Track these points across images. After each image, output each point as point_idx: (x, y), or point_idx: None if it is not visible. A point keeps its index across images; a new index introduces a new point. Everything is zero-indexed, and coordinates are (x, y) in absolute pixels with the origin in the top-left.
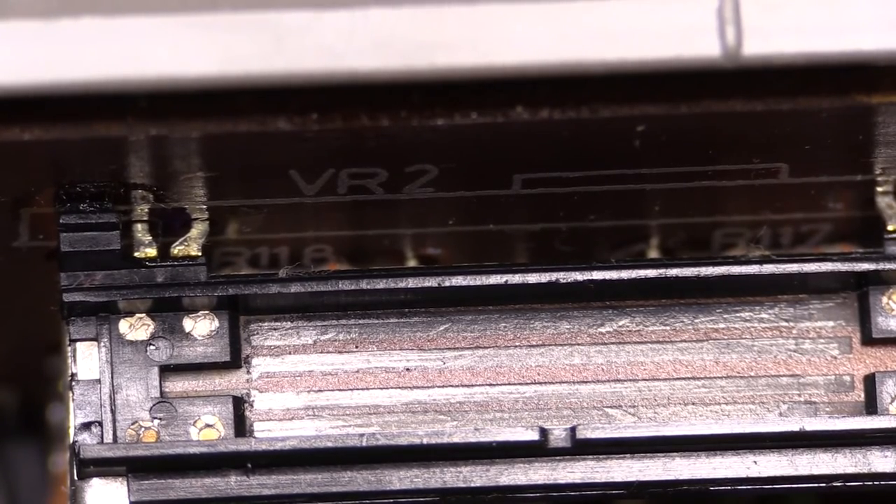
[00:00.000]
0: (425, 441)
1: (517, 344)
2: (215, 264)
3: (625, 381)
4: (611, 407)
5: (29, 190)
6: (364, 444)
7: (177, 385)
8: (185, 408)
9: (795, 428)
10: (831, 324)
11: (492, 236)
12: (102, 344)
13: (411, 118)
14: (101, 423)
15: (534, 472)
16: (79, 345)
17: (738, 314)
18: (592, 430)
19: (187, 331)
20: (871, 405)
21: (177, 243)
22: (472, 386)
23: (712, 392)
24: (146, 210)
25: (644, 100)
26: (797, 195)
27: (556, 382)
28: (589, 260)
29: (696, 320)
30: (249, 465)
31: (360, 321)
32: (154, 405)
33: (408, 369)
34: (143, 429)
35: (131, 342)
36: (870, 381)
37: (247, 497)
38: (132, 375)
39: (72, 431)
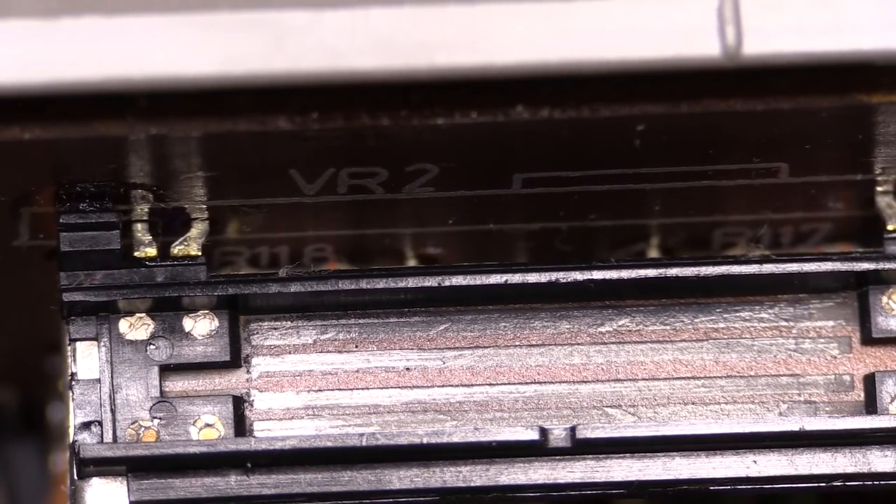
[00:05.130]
0: (425, 441)
1: (517, 343)
2: (215, 264)
3: (625, 380)
4: (611, 406)
5: (29, 189)
6: (364, 443)
7: (177, 384)
8: (184, 407)
9: (795, 427)
10: (831, 323)
11: (492, 236)
12: (102, 343)
13: (411, 117)
14: (100, 423)
15: (534, 471)
16: (79, 344)
17: (737, 314)
18: (592, 430)
19: (187, 330)
20: (870, 405)
21: (177, 243)
22: (472, 385)
23: (712, 392)
24: (146, 209)
25: (644, 99)
26: (797, 195)
27: (556, 382)
28: (589, 259)
29: (696, 320)
30: (249, 465)
31: (360, 321)
32: (154, 405)
33: (408, 369)
34: (142, 428)
35: (131, 342)
36: (869, 381)
37: (246, 496)
38: (132, 375)
39: (72, 431)
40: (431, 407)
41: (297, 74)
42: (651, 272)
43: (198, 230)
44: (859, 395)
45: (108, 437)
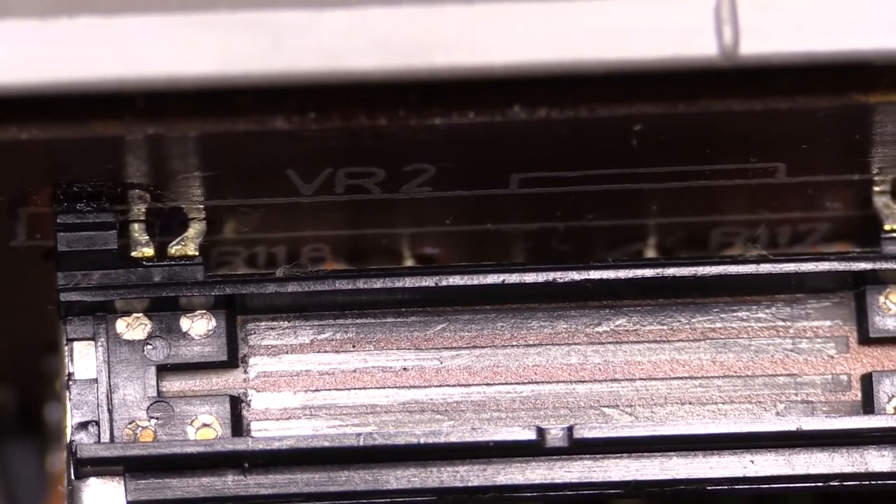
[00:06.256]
0: (422, 441)
1: (514, 343)
2: (212, 264)
3: (622, 380)
4: (608, 406)
5: (26, 189)
6: (361, 443)
7: (174, 384)
8: (182, 407)
9: (792, 427)
10: (828, 323)
11: (489, 236)
12: (99, 343)
13: (409, 117)
14: (98, 423)
15: (531, 471)
16: (76, 344)
17: (735, 314)
18: (589, 430)
19: (184, 330)
20: (868, 404)
21: (174, 243)
22: (469, 385)
23: (709, 391)
24: (143, 210)
25: (641, 99)
26: (795, 194)
27: (553, 382)
28: (586, 259)
29: (694, 320)
30: (246, 465)
31: (358, 321)
32: (151, 405)
33: (405, 369)
34: (140, 428)
35: (128, 342)
36: (867, 381)
37: (244, 496)
38: (129, 375)
39: (69, 431)
40: (428, 407)
41: (295, 74)
42: (648, 272)
43: (195, 230)
44: (856, 394)
45: (106, 436)
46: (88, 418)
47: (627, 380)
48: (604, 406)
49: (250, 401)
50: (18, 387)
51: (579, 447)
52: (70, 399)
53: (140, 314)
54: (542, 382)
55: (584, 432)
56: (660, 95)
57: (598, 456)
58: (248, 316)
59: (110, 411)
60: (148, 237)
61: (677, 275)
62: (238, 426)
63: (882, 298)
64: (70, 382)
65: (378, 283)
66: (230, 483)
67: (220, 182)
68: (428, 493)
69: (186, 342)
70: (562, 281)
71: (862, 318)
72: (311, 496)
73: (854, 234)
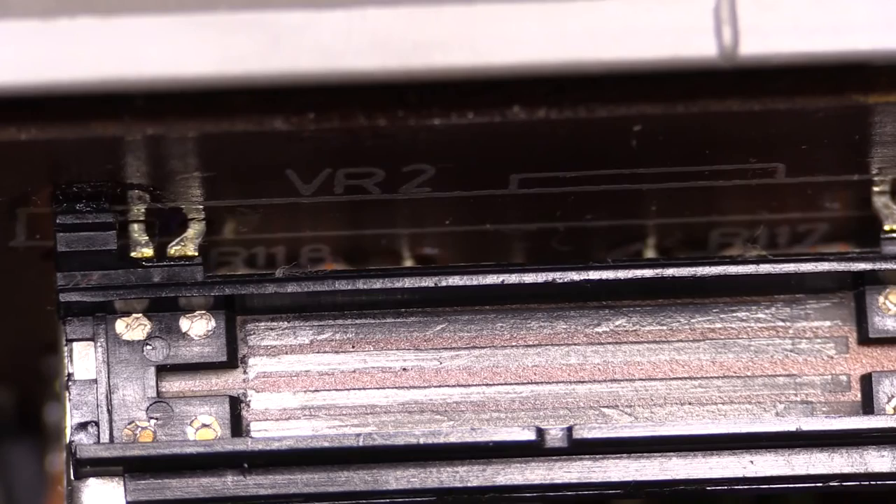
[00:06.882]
0: (422, 441)
1: (514, 344)
2: (212, 264)
3: (621, 380)
4: (607, 407)
5: (26, 190)
6: (360, 444)
7: (173, 385)
8: (181, 408)
9: (792, 428)
10: (828, 323)
11: (489, 236)
12: (99, 344)
13: (408, 118)
14: (97, 423)
15: (530, 471)
16: (75, 345)
17: (734, 314)
18: (589, 430)
19: (184, 331)
20: (867, 405)
21: (173, 243)
22: (469, 386)
23: (709, 392)
24: (143, 210)
25: (641, 100)
26: (794, 195)
27: (553, 382)
28: (586, 260)
29: (693, 320)
30: (246, 465)
31: (357, 321)
32: (150, 405)
33: (404, 369)
34: (139, 429)
35: (128, 342)
36: (866, 381)
37: (243, 497)
38: (129, 375)
39: (68, 431)
40: (428, 407)
41: (294, 75)
42: (648, 272)
43: (194, 230)
44: (856, 395)
45: (105, 437)
46: (88, 419)
47: (627, 380)
48: (603, 406)
49: (250, 401)
50: (18, 387)
51: (579, 447)
52: (69, 399)
53: (139, 314)
54: (542, 383)
55: (583, 433)
56: (659, 96)
57: (597, 456)
58: (247, 316)
59: (110, 412)
60: (147, 237)
61: (677, 275)
62: (237, 426)
63: (882, 299)
64: (69, 383)
65: (377, 284)
66: (230, 483)
67: (220, 182)
68: (427, 493)
69: (186, 342)
70: (561, 281)
71: (861, 319)
72: (311, 496)
73: (854, 235)
